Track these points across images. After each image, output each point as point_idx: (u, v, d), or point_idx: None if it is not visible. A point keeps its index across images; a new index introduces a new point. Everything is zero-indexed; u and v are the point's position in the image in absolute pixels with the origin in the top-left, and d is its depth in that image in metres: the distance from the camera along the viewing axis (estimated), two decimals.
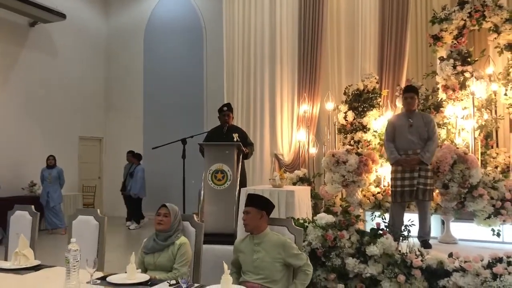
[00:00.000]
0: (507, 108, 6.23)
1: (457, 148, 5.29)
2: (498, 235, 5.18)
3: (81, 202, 10.86)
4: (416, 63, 7.47)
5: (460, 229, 5.47)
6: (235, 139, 5.32)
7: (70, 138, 11.33)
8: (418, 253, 4.12)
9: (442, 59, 6.35)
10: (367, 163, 5.56)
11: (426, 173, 5.02)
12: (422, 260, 4.00)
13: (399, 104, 6.42)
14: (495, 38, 6.32)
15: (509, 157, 5.89)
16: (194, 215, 3.57)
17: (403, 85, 6.61)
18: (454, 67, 6.12)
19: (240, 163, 5.30)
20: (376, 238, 4.16)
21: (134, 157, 10.47)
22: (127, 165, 10.57)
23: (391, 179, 5.24)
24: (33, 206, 4.11)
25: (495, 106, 6.25)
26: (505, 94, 6.21)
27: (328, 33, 7.36)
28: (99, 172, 12.38)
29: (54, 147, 10.35)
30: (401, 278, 3.98)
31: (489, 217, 5.18)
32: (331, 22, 7.41)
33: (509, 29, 6.20)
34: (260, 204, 3.22)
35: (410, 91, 5.26)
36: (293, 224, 3.28)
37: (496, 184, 5.28)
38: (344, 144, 6.60)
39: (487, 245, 5.21)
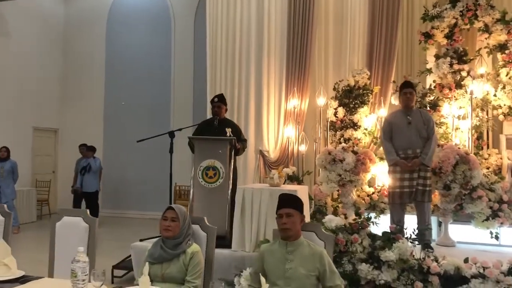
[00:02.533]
0: (496, 109, 6.18)
1: (459, 148, 5.14)
2: (497, 237, 5.08)
3: (35, 198, 10.00)
4: (406, 60, 7.33)
5: (457, 231, 5.34)
6: (228, 134, 4.91)
7: (22, 129, 10.40)
8: (432, 258, 3.91)
9: (437, 56, 6.22)
10: (365, 162, 5.31)
11: (425, 174, 4.84)
12: (439, 266, 3.79)
13: (395, 101, 6.22)
14: (486, 38, 6.26)
15: (501, 158, 5.84)
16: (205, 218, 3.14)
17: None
18: (451, 65, 5.99)
19: (233, 160, 4.91)
20: (389, 242, 3.91)
21: (89, 150, 9.69)
22: (80, 159, 9.77)
23: (390, 179, 5.02)
24: (5, 205, 3.52)
25: (488, 107, 6.19)
26: (495, 95, 6.16)
27: (317, 25, 7.02)
28: (53, 165, 11.49)
29: (5, 138, 9.42)
30: (418, 285, 3.74)
31: (487, 219, 5.08)
32: (319, 12, 7.06)
33: (500, 30, 6.17)
34: (300, 207, 2.82)
35: (409, 86, 5.06)
36: (323, 229, 2.92)
37: (493, 186, 5.19)
38: (333, 141, 6.32)
39: (485, 248, 5.12)
